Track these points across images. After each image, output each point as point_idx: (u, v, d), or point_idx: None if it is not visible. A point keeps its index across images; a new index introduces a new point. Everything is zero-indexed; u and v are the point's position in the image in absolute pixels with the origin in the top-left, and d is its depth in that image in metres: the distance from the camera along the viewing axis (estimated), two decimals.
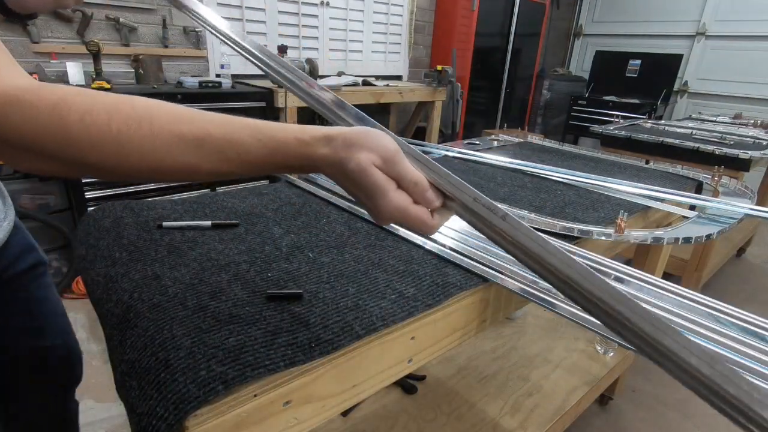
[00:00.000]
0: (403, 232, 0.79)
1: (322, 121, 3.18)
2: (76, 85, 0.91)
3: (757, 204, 1.02)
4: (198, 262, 0.65)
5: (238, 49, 0.55)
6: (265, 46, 2.83)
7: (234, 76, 2.59)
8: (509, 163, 1.32)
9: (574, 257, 0.36)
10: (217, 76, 2.62)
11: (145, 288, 0.58)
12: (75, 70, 2.08)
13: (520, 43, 4.16)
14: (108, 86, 1.96)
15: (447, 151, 1.44)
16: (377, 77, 3.41)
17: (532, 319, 1.69)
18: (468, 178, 1.18)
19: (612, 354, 1.50)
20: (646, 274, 0.67)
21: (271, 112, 2.45)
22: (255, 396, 0.44)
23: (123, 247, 0.69)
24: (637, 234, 0.83)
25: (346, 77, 2.91)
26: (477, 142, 1.70)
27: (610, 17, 4.86)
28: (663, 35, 4.45)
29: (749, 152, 1.85)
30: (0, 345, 0.72)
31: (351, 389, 0.55)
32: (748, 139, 2.22)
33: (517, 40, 4.08)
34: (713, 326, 0.56)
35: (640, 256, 1.39)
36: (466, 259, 0.70)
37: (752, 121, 2.82)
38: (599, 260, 0.70)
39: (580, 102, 4.47)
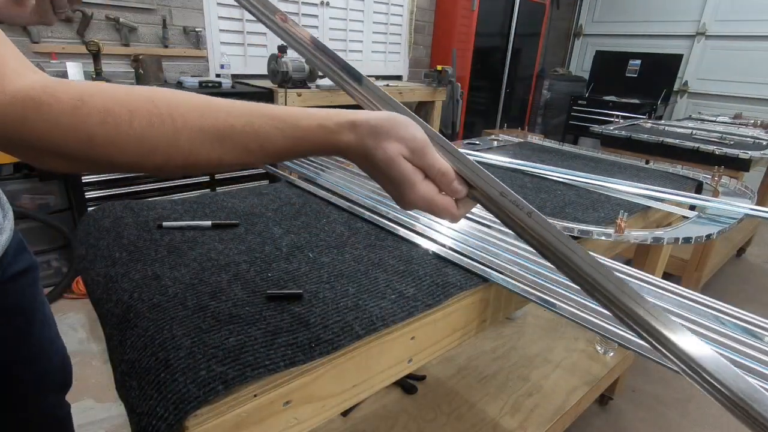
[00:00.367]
0: (403, 232, 0.79)
1: None
2: None
3: (757, 204, 1.02)
4: (198, 262, 0.65)
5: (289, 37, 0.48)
6: (265, 46, 2.80)
7: (234, 76, 2.59)
8: (509, 163, 1.32)
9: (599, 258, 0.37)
10: (217, 76, 2.62)
11: (145, 288, 0.58)
12: (75, 70, 2.08)
13: (520, 43, 4.15)
14: None
15: None
16: (377, 77, 3.41)
17: (532, 319, 1.69)
18: None
19: (612, 354, 1.50)
20: (646, 274, 0.67)
21: None
22: (255, 396, 0.44)
23: (123, 247, 0.69)
24: (637, 234, 0.83)
25: None
26: (477, 142, 1.70)
27: (610, 17, 4.86)
28: (663, 35, 4.45)
29: (749, 152, 1.85)
30: None
31: (351, 389, 0.55)
32: (748, 139, 2.22)
33: (517, 40, 4.08)
34: (713, 326, 0.56)
35: (640, 256, 1.39)
36: (466, 259, 0.70)
37: (752, 121, 2.82)
38: (599, 260, 0.70)
39: (580, 102, 4.47)
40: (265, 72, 2.62)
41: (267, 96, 2.42)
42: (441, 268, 0.68)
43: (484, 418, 1.23)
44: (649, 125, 2.58)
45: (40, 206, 1.99)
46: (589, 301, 0.60)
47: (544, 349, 1.52)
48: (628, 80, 4.49)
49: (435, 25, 3.85)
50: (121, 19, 2.25)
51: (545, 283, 0.64)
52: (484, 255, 0.71)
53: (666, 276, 1.02)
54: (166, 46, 2.45)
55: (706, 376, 0.35)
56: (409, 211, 0.86)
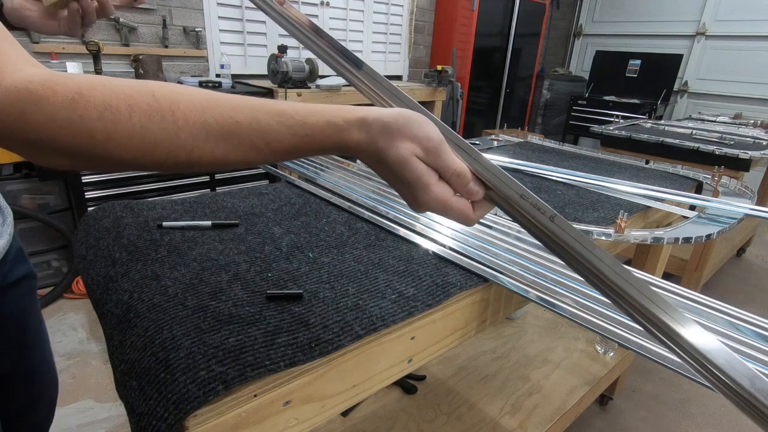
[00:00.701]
0: (403, 232, 0.79)
1: None
2: None
3: (757, 204, 1.02)
4: (198, 262, 0.65)
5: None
6: (265, 46, 2.79)
7: (234, 76, 2.59)
8: (509, 163, 1.32)
9: (625, 266, 0.35)
10: (217, 76, 2.62)
11: (145, 288, 0.58)
12: (75, 71, 2.08)
13: (520, 43, 4.16)
14: None
15: None
16: None
17: (532, 319, 1.69)
18: None
19: (612, 354, 1.50)
20: (646, 274, 0.67)
21: None
22: (255, 396, 0.44)
23: (123, 247, 0.69)
24: (637, 234, 0.83)
25: None
26: (477, 142, 1.70)
27: (610, 17, 4.86)
28: (663, 35, 4.45)
29: (749, 152, 1.85)
30: None
31: (351, 389, 0.55)
32: (748, 139, 2.22)
33: (517, 40, 4.08)
34: (713, 326, 0.56)
35: (640, 256, 1.39)
36: (466, 259, 0.70)
37: (752, 121, 2.82)
38: None
39: (580, 102, 4.47)
40: (265, 72, 2.62)
41: (267, 96, 2.42)
42: (441, 268, 0.68)
43: (484, 418, 1.23)
44: (649, 125, 2.58)
45: (40, 206, 1.99)
46: (589, 301, 0.60)
47: (544, 349, 1.52)
48: (628, 80, 4.49)
49: (435, 25, 3.85)
50: (121, 19, 2.25)
51: (545, 283, 0.64)
52: (484, 255, 0.71)
53: (666, 276, 1.02)
54: (166, 46, 2.45)
55: (729, 383, 0.34)
56: (406, 209, 0.86)
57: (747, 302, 2.46)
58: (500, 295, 0.71)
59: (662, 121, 2.87)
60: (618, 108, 4.15)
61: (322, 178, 1.04)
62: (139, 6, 0.76)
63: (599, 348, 1.52)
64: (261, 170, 1.65)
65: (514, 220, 0.39)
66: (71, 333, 1.81)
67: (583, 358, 1.49)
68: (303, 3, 2.97)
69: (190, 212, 0.84)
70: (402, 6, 3.57)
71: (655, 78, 4.33)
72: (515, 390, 1.33)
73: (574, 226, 0.85)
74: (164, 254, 0.67)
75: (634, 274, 0.35)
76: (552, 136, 1.99)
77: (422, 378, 1.36)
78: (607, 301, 0.38)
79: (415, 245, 0.75)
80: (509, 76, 4.23)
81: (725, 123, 2.84)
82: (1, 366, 0.70)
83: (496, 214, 0.88)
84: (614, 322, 0.56)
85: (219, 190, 2.25)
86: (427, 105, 3.35)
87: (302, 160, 1.12)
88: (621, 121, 2.77)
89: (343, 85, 2.69)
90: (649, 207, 1.04)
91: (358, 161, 1.38)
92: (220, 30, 2.67)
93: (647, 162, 1.49)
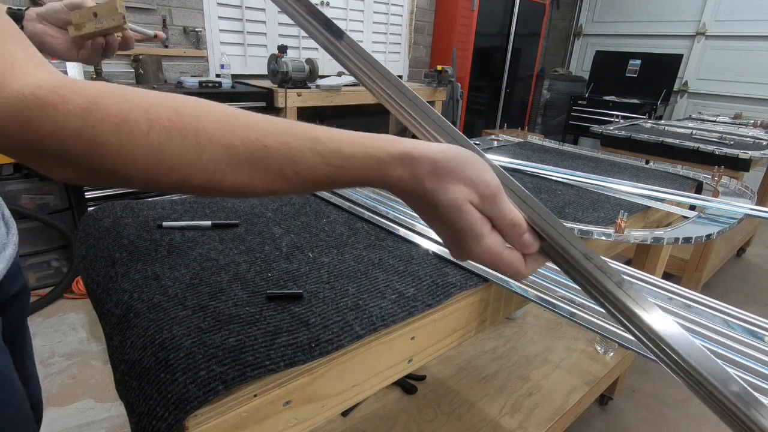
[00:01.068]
0: (403, 232, 0.79)
1: (321, 121, 3.17)
2: None
3: (757, 204, 1.02)
4: (198, 262, 0.65)
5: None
6: (265, 46, 2.78)
7: (234, 76, 2.59)
8: (509, 163, 1.32)
9: (705, 350, 0.33)
10: (217, 76, 2.62)
11: (145, 288, 0.58)
12: (75, 71, 2.07)
13: (520, 43, 4.16)
14: None
15: None
16: None
17: (532, 319, 1.69)
18: None
19: (612, 354, 1.50)
20: (646, 274, 0.67)
21: (271, 112, 2.45)
22: (255, 396, 0.44)
23: (123, 247, 0.69)
24: (637, 234, 0.83)
25: (346, 77, 2.91)
26: (477, 142, 1.70)
27: (610, 17, 4.86)
28: (663, 35, 4.45)
29: (749, 152, 1.85)
30: None
31: (351, 389, 0.55)
32: (748, 139, 2.22)
33: (517, 40, 4.08)
34: (713, 326, 0.56)
35: (640, 256, 1.39)
36: None
37: (752, 121, 2.82)
38: None
39: (580, 102, 4.47)
40: (265, 72, 2.62)
41: (267, 96, 2.42)
42: (441, 268, 0.68)
43: (484, 418, 1.23)
44: (649, 125, 2.58)
45: (40, 206, 1.99)
46: (589, 301, 0.60)
47: (544, 349, 1.52)
48: (628, 80, 4.49)
49: (435, 25, 3.85)
50: None
51: (545, 283, 0.64)
52: None
53: (666, 276, 1.02)
54: (166, 46, 2.45)
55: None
56: (406, 209, 0.86)
57: (747, 302, 2.46)
58: (500, 295, 0.71)
59: (662, 121, 2.87)
60: (618, 108, 4.15)
61: None
62: (157, 40, 0.77)
63: (599, 348, 1.52)
64: None
65: (571, 277, 0.35)
66: (71, 333, 1.81)
67: (583, 358, 1.49)
68: None
69: (190, 212, 0.84)
70: (402, 6, 3.57)
71: (655, 78, 4.33)
72: (515, 390, 1.33)
73: (574, 226, 0.85)
74: (164, 254, 0.67)
75: (720, 365, 0.33)
76: (552, 136, 1.99)
77: (422, 378, 1.36)
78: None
79: (415, 245, 0.75)
80: (509, 76, 4.23)
81: (725, 123, 2.84)
82: None
83: None
84: (614, 322, 0.56)
85: None
86: None
87: None
88: (621, 121, 2.77)
89: (344, 85, 2.70)
90: (649, 207, 1.04)
91: None
92: (220, 30, 2.67)
93: (647, 162, 1.49)
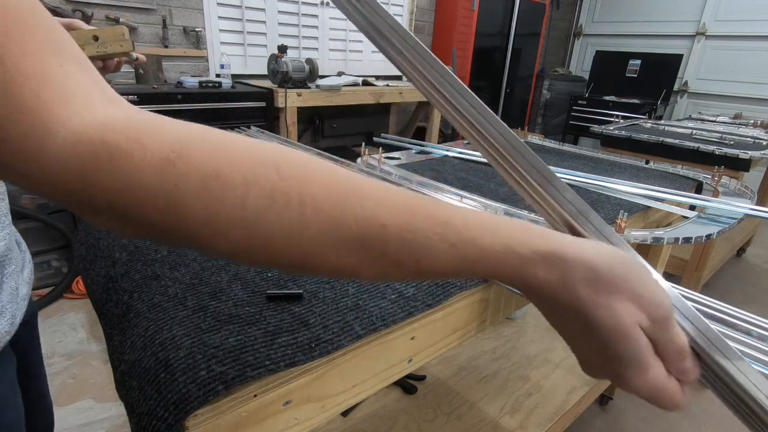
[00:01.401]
0: None
1: (321, 120, 3.17)
2: None
3: (757, 204, 1.02)
4: (198, 262, 0.65)
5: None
6: (265, 46, 2.78)
7: (234, 76, 2.59)
8: None
9: None
10: (217, 76, 2.62)
11: (145, 288, 0.58)
12: None
13: (520, 43, 4.16)
14: None
15: (447, 151, 1.44)
16: (377, 77, 3.41)
17: (532, 319, 1.69)
18: (468, 178, 1.18)
19: None
20: None
21: (272, 112, 2.46)
22: (255, 396, 0.44)
23: (123, 247, 0.69)
24: (637, 234, 0.83)
25: (346, 77, 2.91)
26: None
27: (610, 17, 4.86)
28: (663, 35, 4.45)
29: (749, 152, 1.85)
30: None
31: (351, 389, 0.55)
32: (748, 139, 2.22)
33: (517, 40, 4.08)
34: (713, 326, 0.55)
35: (640, 255, 1.39)
36: None
37: (752, 121, 2.82)
38: None
39: (580, 102, 4.47)
40: (265, 72, 2.63)
41: (267, 96, 2.42)
42: None
43: (484, 418, 1.23)
44: (649, 125, 2.58)
45: (40, 206, 1.99)
46: None
47: (544, 349, 1.52)
48: (628, 80, 4.49)
49: (435, 25, 3.85)
50: (121, 19, 2.25)
51: None
52: None
53: (666, 276, 1.02)
54: (166, 46, 2.45)
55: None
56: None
57: (747, 302, 2.46)
58: (500, 295, 0.71)
59: (662, 121, 2.87)
60: (618, 108, 4.15)
61: None
62: (138, 62, 0.78)
63: None
64: None
65: (732, 407, 0.29)
66: (71, 333, 1.81)
67: None
68: (303, 3, 2.97)
69: None
70: (402, 6, 3.57)
71: (655, 78, 4.33)
72: (515, 390, 1.33)
73: None
74: (164, 254, 0.67)
75: None
76: (552, 136, 1.99)
77: (422, 378, 1.36)
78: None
79: None
80: (509, 76, 4.23)
81: (725, 123, 2.84)
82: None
83: (496, 213, 0.88)
84: None
85: None
86: (428, 105, 3.36)
87: None
88: (621, 121, 2.77)
89: (344, 85, 2.70)
90: (649, 207, 1.04)
91: (359, 161, 1.35)
92: (220, 30, 2.67)
93: (647, 162, 1.49)
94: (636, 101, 4.16)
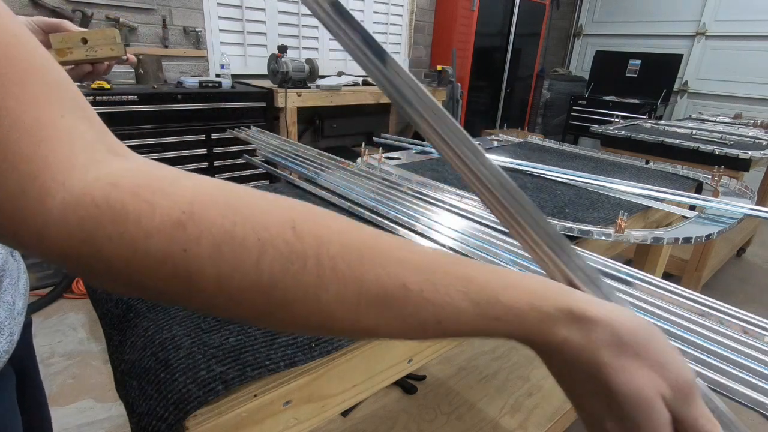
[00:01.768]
0: (403, 232, 0.79)
1: (321, 121, 3.15)
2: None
3: (757, 204, 1.02)
4: None
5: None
6: (265, 46, 2.78)
7: (234, 76, 2.59)
8: (509, 163, 1.32)
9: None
10: (217, 76, 2.62)
11: None
12: None
13: (520, 43, 4.16)
14: (108, 86, 1.96)
15: None
16: None
17: None
18: None
19: None
20: (646, 274, 0.67)
21: (272, 112, 2.46)
22: (255, 396, 0.44)
23: None
24: (637, 234, 0.83)
25: (347, 77, 2.91)
26: (477, 142, 1.70)
27: (610, 17, 4.86)
28: (663, 35, 4.45)
29: (749, 152, 1.85)
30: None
31: (351, 389, 0.55)
32: (748, 139, 2.22)
33: (517, 40, 4.08)
34: (714, 326, 0.56)
35: (640, 256, 1.39)
36: None
37: (752, 121, 2.82)
38: (600, 260, 0.70)
39: (580, 102, 4.47)
40: (265, 72, 2.63)
41: (267, 96, 2.42)
42: None
43: (484, 418, 1.23)
44: (649, 125, 2.58)
45: None
46: None
47: None
48: (628, 80, 4.49)
49: (435, 25, 3.85)
50: (121, 19, 2.25)
51: None
52: (484, 255, 0.71)
53: (666, 276, 1.02)
54: (166, 46, 2.45)
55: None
56: (406, 209, 0.86)
57: (747, 302, 2.46)
58: None
59: (662, 121, 2.87)
60: (618, 108, 4.15)
61: (322, 178, 1.04)
62: (128, 63, 0.75)
63: None
64: (261, 170, 1.65)
65: None
66: (71, 333, 1.81)
67: None
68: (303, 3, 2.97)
69: None
70: (402, 6, 3.57)
71: (655, 78, 4.33)
72: (515, 390, 1.33)
73: (574, 226, 0.85)
74: None
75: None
76: (552, 136, 1.99)
77: (422, 378, 1.36)
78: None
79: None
80: (509, 76, 4.23)
81: (725, 123, 2.84)
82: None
83: None
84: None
85: None
86: None
87: (302, 157, 1.12)
88: (621, 121, 2.77)
89: (344, 85, 2.70)
90: (649, 207, 1.04)
91: (359, 161, 1.35)
92: (220, 30, 2.67)
93: (647, 162, 1.49)
94: (636, 101, 4.16)
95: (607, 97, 4.37)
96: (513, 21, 3.98)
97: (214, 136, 2.28)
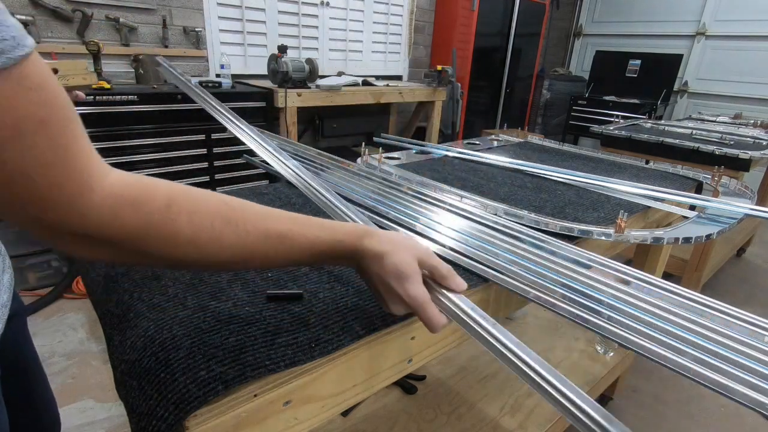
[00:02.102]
0: (404, 231, 0.79)
1: (321, 121, 3.16)
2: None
3: (757, 204, 1.02)
4: None
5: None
6: (265, 46, 2.78)
7: (234, 76, 2.59)
8: (509, 163, 1.32)
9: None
10: (217, 76, 2.62)
11: (145, 288, 0.58)
12: None
13: (520, 43, 4.16)
14: (108, 86, 1.95)
15: (447, 151, 1.44)
16: (377, 77, 3.41)
17: (532, 319, 1.69)
18: (468, 178, 1.18)
19: (612, 354, 1.50)
20: (647, 275, 0.67)
21: (272, 112, 2.46)
22: (255, 396, 0.44)
23: None
24: (637, 234, 0.83)
25: (346, 77, 2.91)
26: (477, 142, 1.70)
27: (610, 17, 4.86)
28: (663, 35, 4.45)
29: (749, 152, 1.85)
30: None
31: (351, 389, 0.55)
32: (748, 139, 2.22)
33: (517, 40, 4.08)
34: (713, 326, 0.56)
35: (640, 256, 1.39)
36: (466, 259, 0.70)
37: (752, 121, 2.82)
38: (600, 260, 0.70)
39: (580, 102, 4.47)
40: (265, 72, 2.62)
41: (267, 96, 2.42)
42: None
43: (484, 418, 1.23)
44: (649, 125, 2.58)
45: None
46: (590, 301, 0.60)
47: (544, 349, 1.52)
48: (628, 80, 4.49)
49: (435, 25, 3.85)
50: (121, 19, 2.25)
51: (545, 283, 0.64)
52: (484, 255, 0.71)
53: (666, 276, 1.02)
54: (166, 46, 2.45)
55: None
56: (406, 209, 0.86)
57: (747, 302, 2.46)
58: (500, 295, 0.71)
59: (662, 121, 2.87)
60: (618, 108, 4.15)
61: (322, 178, 1.04)
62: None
63: (599, 348, 1.52)
64: (261, 170, 1.65)
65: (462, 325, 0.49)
66: (71, 333, 1.81)
67: (583, 358, 1.49)
68: (303, 3, 2.98)
69: None
70: (402, 6, 3.57)
71: (655, 78, 4.33)
72: (515, 390, 1.33)
73: (574, 226, 0.85)
74: None
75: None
76: (552, 136, 1.99)
77: (422, 378, 1.36)
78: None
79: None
80: (509, 76, 4.23)
81: (725, 123, 2.84)
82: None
83: (495, 213, 0.88)
84: (614, 322, 0.56)
85: (219, 190, 2.25)
86: (427, 105, 3.36)
87: (302, 158, 1.12)
88: (621, 121, 2.77)
89: (344, 85, 2.70)
90: (649, 207, 1.04)
91: (359, 161, 1.36)
92: (220, 30, 2.67)
93: (647, 162, 1.49)
94: (636, 101, 4.16)
95: (607, 97, 4.38)
96: (513, 21, 3.98)
97: (214, 136, 2.28)
